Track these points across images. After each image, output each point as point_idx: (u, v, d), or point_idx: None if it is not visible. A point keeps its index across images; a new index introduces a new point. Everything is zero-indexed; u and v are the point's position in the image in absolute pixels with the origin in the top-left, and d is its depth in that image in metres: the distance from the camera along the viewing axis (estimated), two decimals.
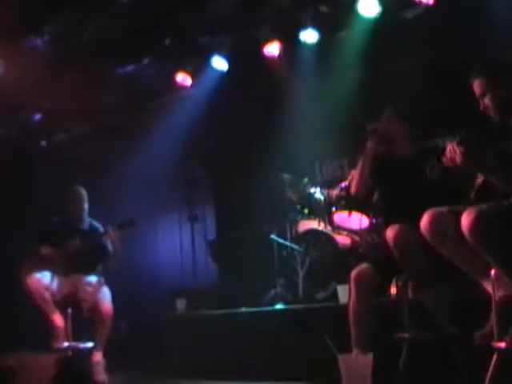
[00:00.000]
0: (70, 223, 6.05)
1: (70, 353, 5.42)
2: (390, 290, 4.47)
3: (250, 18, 6.70)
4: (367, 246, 5.46)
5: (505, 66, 3.48)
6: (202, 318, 6.19)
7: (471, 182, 3.34)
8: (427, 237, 3.30)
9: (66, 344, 5.45)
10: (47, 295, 5.53)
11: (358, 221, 5.79)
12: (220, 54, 7.21)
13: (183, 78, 7.49)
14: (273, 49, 6.89)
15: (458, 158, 3.15)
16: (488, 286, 3.15)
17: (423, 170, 3.79)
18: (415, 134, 4.29)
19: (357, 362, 3.70)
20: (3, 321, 6.88)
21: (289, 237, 6.51)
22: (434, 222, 3.25)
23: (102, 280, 5.84)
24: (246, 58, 7.25)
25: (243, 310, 5.93)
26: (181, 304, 6.59)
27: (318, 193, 6.36)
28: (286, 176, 6.56)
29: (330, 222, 6.25)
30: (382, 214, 4.61)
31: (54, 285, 5.61)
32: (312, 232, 6.28)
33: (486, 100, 3.39)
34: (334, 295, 5.45)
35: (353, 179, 4.41)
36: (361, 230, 5.77)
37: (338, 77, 6.74)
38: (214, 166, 8.51)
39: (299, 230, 6.45)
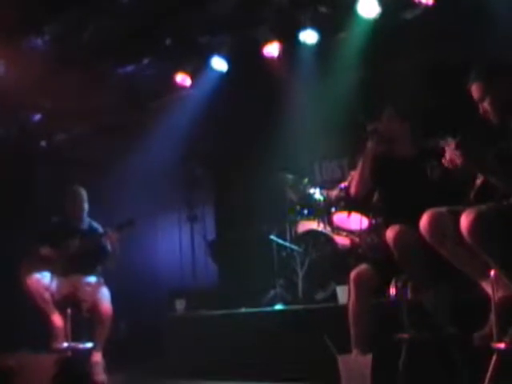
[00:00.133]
0: (70, 223, 6.05)
1: (69, 353, 5.42)
2: (389, 291, 4.47)
3: (249, 18, 6.69)
4: (367, 246, 5.46)
5: (501, 67, 3.47)
6: (202, 318, 6.19)
7: (471, 182, 3.34)
8: (426, 237, 3.30)
9: (65, 344, 5.46)
10: (47, 295, 5.53)
11: (357, 221, 5.79)
12: (219, 54, 7.21)
13: (183, 79, 7.49)
14: (272, 49, 6.89)
15: (458, 159, 3.15)
16: (487, 287, 3.16)
17: (423, 170, 3.80)
18: (416, 134, 4.29)
19: (356, 363, 3.71)
20: (3, 321, 6.87)
21: (288, 237, 6.51)
22: (434, 222, 3.25)
23: (102, 280, 5.84)
24: (245, 58, 7.25)
25: (243, 310, 5.93)
26: (180, 304, 6.59)
27: (317, 193, 6.35)
28: (286, 176, 6.56)
29: (330, 222, 6.24)
30: (381, 214, 4.60)
31: (54, 285, 5.61)
32: (311, 233, 6.28)
33: (485, 104, 3.39)
34: (334, 296, 5.45)
35: (352, 180, 4.42)
36: (360, 230, 5.77)
37: (337, 77, 6.74)
38: (213, 166, 8.51)
39: (299, 230, 6.45)
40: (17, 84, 6.81)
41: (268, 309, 5.89)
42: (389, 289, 4.36)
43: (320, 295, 5.95)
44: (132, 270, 7.54)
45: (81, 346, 5.53)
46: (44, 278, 5.58)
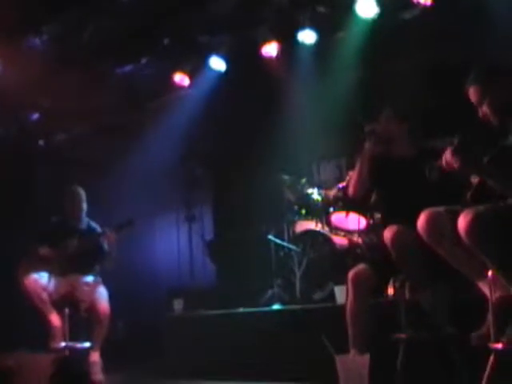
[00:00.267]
0: (69, 223, 6.05)
1: (67, 353, 5.43)
2: (387, 291, 4.47)
3: (248, 18, 6.69)
4: (365, 246, 5.47)
5: (498, 69, 3.46)
6: (200, 318, 6.19)
7: (469, 182, 3.34)
8: (424, 237, 3.30)
9: (63, 344, 5.46)
10: (44, 295, 5.53)
11: (355, 221, 5.80)
12: (218, 54, 7.21)
13: (181, 78, 7.49)
14: (271, 49, 6.89)
15: (455, 163, 3.15)
16: (484, 287, 3.16)
17: (422, 170, 3.79)
18: (414, 135, 4.29)
19: (354, 363, 3.71)
20: (1, 321, 6.87)
21: (286, 237, 6.51)
22: (431, 222, 3.25)
23: (99, 280, 5.84)
24: (244, 58, 7.25)
25: (241, 310, 5.94)
26: (178, 304, 6.59)
27: (315, 193, 6.35)
28: (284, 177, 6.56)
29: (328, 222, 6.25)
30: (380, 214, 4.60)
31: (52, 285, 5.61)
32: (309, 232, 6.28)
33: (484, 107, 3.39)
34: (331, 296, 5.45)
35: (350, 180, 4.42)
36: (358, 230, 5.78)
37: (336, 77, 6.73)
38: (212, 166, 8.51)
39: (297, 230, 6.45)
40: (16, 84, 6.80)
41: (266, 309, 5.89)
42: (387, 289, 4.37)
43: (318, 295, 5.95)
44: (130, 269, 7.54)
45: (78, 345, 5.53)
46: (42, 278, 5.57)
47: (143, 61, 7.29)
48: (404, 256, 3.74)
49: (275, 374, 5.03)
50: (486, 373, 2.98)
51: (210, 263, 7.76)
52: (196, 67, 7.44)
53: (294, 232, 6.48)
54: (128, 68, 7.45)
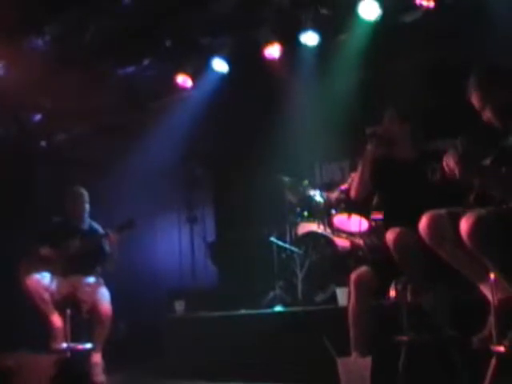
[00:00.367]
0: (70, 224, 6.05)
1: (68, 354, 5.42)
2: (389, 293, 4.47)
3: (250, 19, 6.70)
4: (367, 248, 5.46)
5: (497, 74, 3.46)
6: (201, 319, 6.19)
7: (472, 185, 3.34)
8: (425, 239, 3.31)
9: (64, 345, 5.46)
10: (46, 296, 5.52)
11: (357, 224, 5.79)
12: (220, 55, 7.20)
13: (183, 80, 7.48)
14: (273, 51, 6.88)
15: (457, 172, 3.15)
16: (486, 290, 3.16)
17: (424, 172, 3.79)
18: (416, 136, 4.28)
19: (356, 365, 3.71)
20: (2, 321, 6.87)
21: (288, 239, 6.50)
22: (433, 225, 3.25)
23: (101, 281, 5.84)
24: (246, 59, 7.25)
25: (242, 312, 5.94)
26: (179, 306, 6.60)
27: (317, 195, 6.35)
28: (286, 178, 6.55)
29: (330, 224, 6.24)
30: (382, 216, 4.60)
31: (53, 285, 5.61)
32: (311, 234, 6.28)
33: (487, 112, 3.39)
34: (333, 298, 5.45)
35: (352, 182, 4.42)
36: (360, 232, 5.77)
37: (338, 79, 6.74)
38: (213, 167, 8.52)
39: (299, 232, 6.44)
40: (17, 84, 6.81)
41: (267, 310, 5.89)
42: (389, 291, 4.37)
43: (320, 297, 5.95)
44: (131, 270, 7.54)
45: (80, 346, 5.53)
46: (44, 279, 5.57)
47: (145, 62, 7.29)
48: (406, 258, 3.74)
49: (276, 375, 5.03)
50: (488, 375, 2.98)
51: (212, 265, 7.76)
52: (198, 69, 7.44)
53: (296, 234, 6.47)
54: (130, 69, 7.45)
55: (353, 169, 4.92)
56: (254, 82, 7.46)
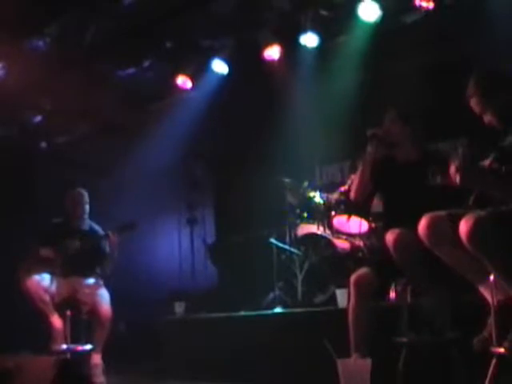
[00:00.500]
0: (70, 225, 6.04)
1: (68, 355, 5.41)
2: (389, 294, 4.47)
3: (250, 20, 6.70)
4: (367, 250, 5.47)
5: (496, 79, 3.46)
6: (201, 321, 6.19)
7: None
8: (425, 241, 3.31)
9: (64, 346, 5.45)
10: (46, 297, 5.52)
11: (357, 225, 5.80)
12: (220, 57, 7.20)
13: (184, 81, 7.48)
14: (273, 52, 6.88)
15: (457, 180, 3.14)
16: (486, 291, 3.16)
17: (425, 174, 3.79)
18: (417, 137, 4.28)
19: (356, 366, 3.70)
20: (2, 322, 6.87)
21: (288, 240, 6.50)
22: (432, 226, 3.25)
23: (101, 282, 5.83)
24: (246, 61, 7.24)
25: (242, 313, 5.94)
26: (179, 307, 6.59)
27: (317, 197, 6.35)
28: (286, 180, 6.55)
29: (330, 226, 6.24)
30: (382, 218, 4.60)
31: (53, 287, 5.60)
32: (311, 236, 6.28)
33: (487, 116, 3.39)
34: (333, 299, 5.45)
35: (352, 184, 4.42)
36: (360, 234, 5.78)
37: (338, 81, 6.75)
38: (213, 168, 8.53)
39: (299, 233, 6.44)
40: (17, 85, 6.82)
41: (267, 312, 5.89)
42: (389, 292, 4.37)
43: (319, 298, 5.95)
44: (131, 271, 7.54)
45: (80, 348, 5.52)
46: (43, 280, 5.57)
47: (145, 63, 7.29)
48: (406, 259, 3.74)
49: (276, 377, 5.03)
50: (488, 377, 2.98)
51: (212, 266, 7.76)
52: (198, 70, 7.43)
53: (295, 235, 6.47)
54: (130, 70, 7.45)
55: (352, 170, 4.91)
56: (253, 83, 7.47)
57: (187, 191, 8.32)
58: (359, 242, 5.92)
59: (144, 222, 6.48)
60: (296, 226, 6.52)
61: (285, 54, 6.90)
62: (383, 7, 6.22)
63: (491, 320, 3.04)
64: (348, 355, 3.86)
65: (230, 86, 7.44)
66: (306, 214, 6.44)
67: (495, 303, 3.03)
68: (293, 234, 6.51)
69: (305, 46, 6.74)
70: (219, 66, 7.28)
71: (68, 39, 6.68)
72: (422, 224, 3.29)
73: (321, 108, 7.00)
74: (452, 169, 3.18)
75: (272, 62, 6.97)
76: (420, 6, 6.07)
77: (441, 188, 3.66)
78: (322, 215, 6.30)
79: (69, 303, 5.57)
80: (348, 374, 3.65)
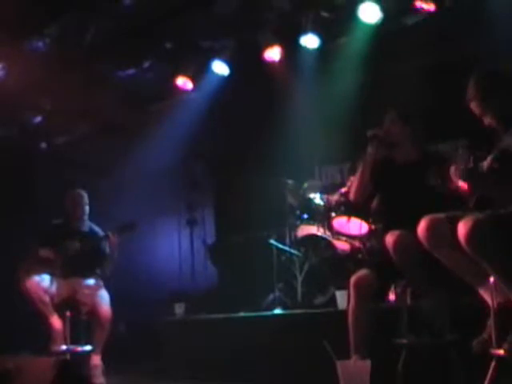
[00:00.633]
0: (70, 225, 6.04)
1: (68, 356, 5.41)
2: (388, 296, 4.47)
3: (251, 21, 6.69)
4: (366, 251, 5.46)
5: (496, 80, 3.45)
6: (201, 322, 6.19)
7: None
8: (424, 243, 3.31)
9: (64, 347, 5.45)
10: (46, 298, 5.52)
11: (357, 226, 5.80)
12: (221, 58, 7.20)
13: (184, 82, 7.48)
14: (273, 53, 6.87)
15: (468, 188, 3.15)
16: (485, 294, 3.16)
17: (425, 175, 3.79)
18: (417, 138, 4.28)
19: (355, 368, 3.70)
20: (2, 322, 6.87)
21: (288, 241, 6.50)
22: (431, 229, 3.26)
23: (101, 283, 5.83)
24: (246, 62, 7.24)
25: (242, 314, 5.94)
26: (179, 308, 6.59)
27: (317, 198, 6.35)
28: (286, 181, 6.55)
29: (330, 227, 6.23)
30: (382, 219, 4.60)
31: (53, 287, 5.60)
32: (311, 237, 6.28)
33: (487, 118, 3.39)
34: (333, 300, 5.45)
35: (352, 185, 4.42)
36: (360, 235, 5.77)
37: (338, 82, 6.74)
38: (214, 169, 8.53)
39: (299, 235, 6.44)
40: (17, 85, 6.82)
41: (267, 313, 5.89)
42: (388, 294, 4.37)
43: (319, 300, 5.95)
44: (131, 272, 7.53)
45: (79, 348, 5.52)
46: (43, 281, 5.57)
47: (145, 64, 7.29)
48: (406, 261, 3.74)
49: (275, 378, 5.03)
50: (487, 379, 2.98)
51: (212, 267, 7.76)
52: (199, 71, 7.43)
53: (295, 236, 6.46)
54: (130, 71, 7.45)
55: (352, 171, 4.91)
56: (254, 84, 7.47)
57: (187, 192, 8.31)
58: (359, 244, 5.92)
59: (144, 223, 6.48)
60: (296, 227, 6.52)
61: (285, 55, 6.89)
62: (384, 9, 6.22)
63: (491, 322, 3.04)
64: (348, 357, 3.86)
65: (231, 87, 7.44)
66: (306, 216, 6.44)
67: (495, 305, 3.03)
68: (293, 235, 6.51)
69: (305, 48, 6.74)
70: (219, 67, 7.28)
71: (68, 40, 6.68)
72: (421, 226, 3.30)
73: (321, 109, 7.00)
74: (453, 170, 3.18)
75: (272, 63, 6.97)
76: (421, 8, 6.07)
77: (440, 189, 3.67)
78: (322, 216, 6.30)
79: (68, 304, 5.57)
80: (348, 376, 3.64)
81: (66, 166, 8.69)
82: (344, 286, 4.84)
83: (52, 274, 5.65)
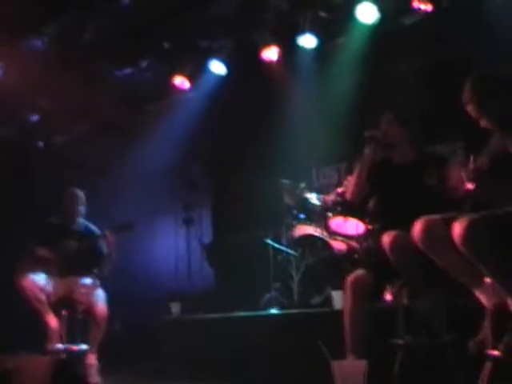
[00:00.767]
0: (68, 224, 6.04)
1: (64, 355, 5.40)
2: (385, 296, 4.47)
3: (248, 21, 6.70)
4: (363, 251, 5.46)
5: (492, 83, 3.45)
6: (197, 321, 6.19)
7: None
8: (419, 244, 3.31)
9: (60, 346, 5.44)
10: (42, 296, 5.51)
11: (353, 226, 5.80)
12: (218, 57, 7.20)
13: (181, 82, 7.48)
14: (271, 53, 6.88)
15: (477, 189, 3.15)
16: (480, 295, 3.16)
17: (422, 176, 3.79)
18: (415, 139, 4.28)
19: (351, 368, 3.70)
20: (1, 322, 6.86)
21: (285, 241, 6.50)
22: (427, 230, 3.25)
23: (97, 282, 5.81)
24: (244, 62, 7.25)
25: (238, 313, 5.93)
26: (175, 308, 6.59)
27: (314, 198, 6.35)
28: (283, 181, 6.55)
29: (326, 227, 6.23)
30: (378, 219, 4.60)
31: (49, 286, 5.59)
32: (308, 237, 6.27)
33: (484, 121, 3.40)
34: (329, 300, 5.45)
35: (348, 185, 4.41)
36: (356, 235, 5.77)
37: (336, 82, 6.74)
38: (211, 169, 8.52)
39: (295, 234, 6.43)
40: (15, 84, 6.81)
41: (263, 312, 5.89)
42: (385, 294, 4.37)
43: (315, 300, 5.95)
44: (128, 271, 7.52)
45: (75, 347, 5.51)
46: (39, 279, 5.55)
47: (143, 63, 7.29)
48: (402, 261, 3.74)
49: (271, 377, 5.03)
50: (483, 380, 2.98)
51: (208, 266, 7.75)
52: (196, 71, 7.43)
53: (292, 236, 6.45)
54: (128, 70, 7.45)
55: (349, 171, 4.91)
56: (251, 84, 7.47)
57: (185, 191, 8.31)
58: (356, 244, 5.92)
59: (142, 223, 6.49)
60: (293, 226, 6.51)
61: (283, 55, 6.90)
62: (381, 9, 6.23)
63: (487, 323, 3.04)
64: (343, 357, 3.86)
65: (228, 87, 7.44)
66: (302, 215, 6.43)
67: (491, 306, 3.03)
68: (289, 235, 6.50)
69: (303, 47, 6.75)
70: (217, 67, 7.29)
71: (66, 39, 6.68)
72: (417, 227, 3.30)
73: (319, 109, 7.00)
74: (454, 171, 3.19)
75: (270, 63, 6.98)
76: (418, 8, 6.08)
77: (437, 190, 3.68)
78: (319, 216, 6.29)
79: (64, 302, 5.57)
80: (343, 376, 3.64)
81: (65, 165, 8.69)
82: (340, 286, 4.83)
83: (48, 273, 5.65)
